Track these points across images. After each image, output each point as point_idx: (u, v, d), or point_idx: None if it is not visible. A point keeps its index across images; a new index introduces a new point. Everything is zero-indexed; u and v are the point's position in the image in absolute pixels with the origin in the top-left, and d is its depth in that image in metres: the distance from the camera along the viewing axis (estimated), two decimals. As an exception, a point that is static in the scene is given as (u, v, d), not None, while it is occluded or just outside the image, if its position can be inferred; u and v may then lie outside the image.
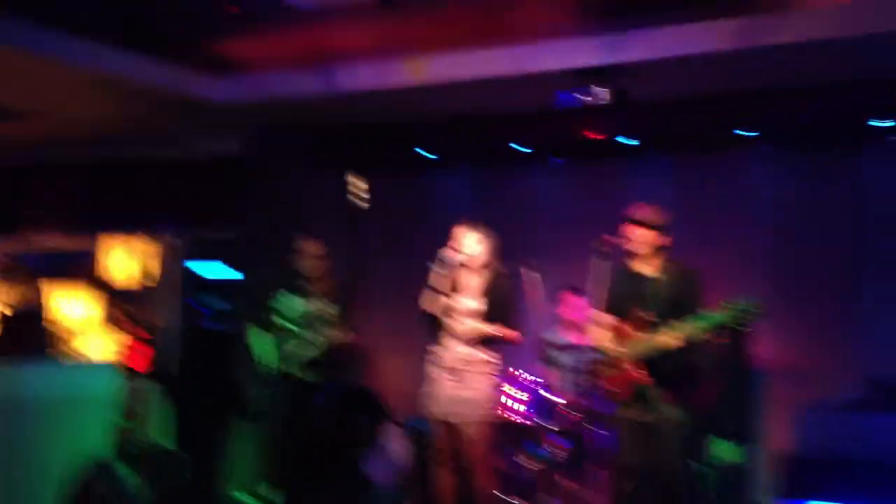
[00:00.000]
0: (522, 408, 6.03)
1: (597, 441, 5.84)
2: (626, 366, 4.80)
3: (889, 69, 5.64)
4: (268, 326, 5.96)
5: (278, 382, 5.91)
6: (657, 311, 4.75)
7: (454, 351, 5.14)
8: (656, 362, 4.73)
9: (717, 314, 4.53)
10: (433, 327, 5.21)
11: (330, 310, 5.98)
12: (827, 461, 3.85)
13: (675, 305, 4.74)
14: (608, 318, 4.95)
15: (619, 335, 4.87)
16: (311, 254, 6.02)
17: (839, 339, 6.12)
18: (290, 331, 5.97)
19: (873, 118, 5.99)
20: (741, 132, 6.37)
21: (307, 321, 5.97)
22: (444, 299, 5.13)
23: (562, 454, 5.97)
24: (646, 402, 4.78)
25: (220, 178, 7.53)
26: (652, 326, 4.73)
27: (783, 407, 5.86)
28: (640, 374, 4.75)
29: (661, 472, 4.74)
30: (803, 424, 4.03)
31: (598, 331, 4.98)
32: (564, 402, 5.94)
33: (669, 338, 4.62)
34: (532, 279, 5.22)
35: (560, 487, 5.95)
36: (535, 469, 5.97)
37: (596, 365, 5.00)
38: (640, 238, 4.85)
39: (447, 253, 5.14)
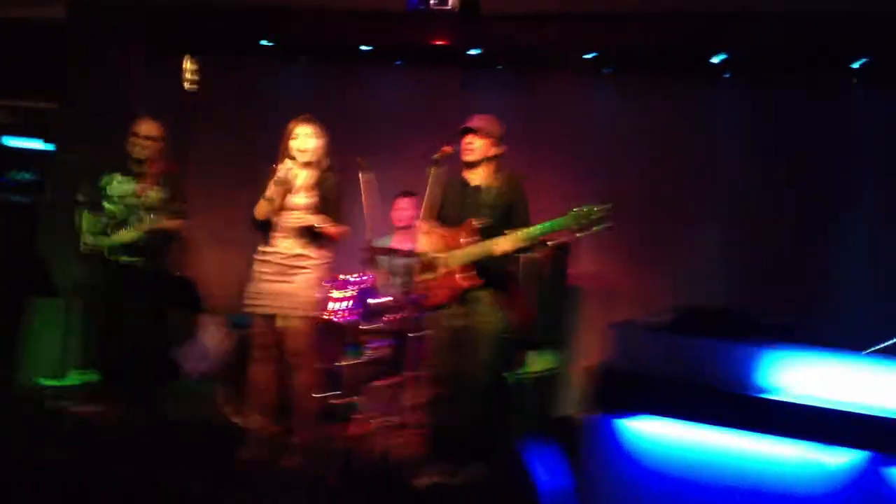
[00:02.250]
0: (345, 307, 5.99)
1: (414, 344, 5.93)
2: (448, 271, 4.85)
3: (735, 3, 5.77)
4: (92, 205, 5.69)
5: (96, 263, 5.68)
6: (486, 218, 4.79)
7: (280, 246, 5.08)
8: (482, 268, 4.78)
9: (562, 218, 4.54)
10: (265, 228, 5.10)
11: (157, 194, 5.78)
12: (636, 378, 4.02)
13: (503, 213, 4.80)
14: (434, 225, 4.98)
15: (445, 241, 4.89)
16: (145, 135, 5.75)
17: (655, 263, 6.38)
18: (113, 212, 5.74)
19: (712, 50, 6.07)
20: (585, 53, 6.38)
21: (132, 203, 5.74)
22: (269, 199, 5.01)
23: (381, 355, 6.04)
24: (465, 308, 4.84)
25: (39, 44, 7.01)
26: (481, 234, 4.77)
27: (596, 324, 6.11)
28: (465, 279, 4.78)
29: (472, 378, 4.82)
30: (615, 342, 4.19)
31: (423, 236, 4.98)
32: (386, 304, 5.94)
33: (501, 243, 4.65)
34: (366, 179, 5.15)
35: (377, 387, 6.04)
36: (354, 368, 5.98)
37: (417, 269, 5.01)
38: (472, 146, 4.86)
39: (282, 151, 5.03)
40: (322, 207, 5.05)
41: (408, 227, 6.28)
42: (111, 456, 4.99)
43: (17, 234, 6.91)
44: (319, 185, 5.08)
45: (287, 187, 5.03)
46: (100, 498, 4.54)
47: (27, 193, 7.49)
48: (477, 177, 4.93)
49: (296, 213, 5.05)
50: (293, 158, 5.05)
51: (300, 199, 5.07)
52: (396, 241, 6.31)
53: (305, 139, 5.06)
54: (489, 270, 4.79)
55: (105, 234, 5.72)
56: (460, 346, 4.87)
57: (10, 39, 7.31)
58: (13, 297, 6.47)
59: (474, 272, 4.79)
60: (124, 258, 5.72)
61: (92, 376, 5.99)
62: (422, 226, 5.01)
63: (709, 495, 3.91)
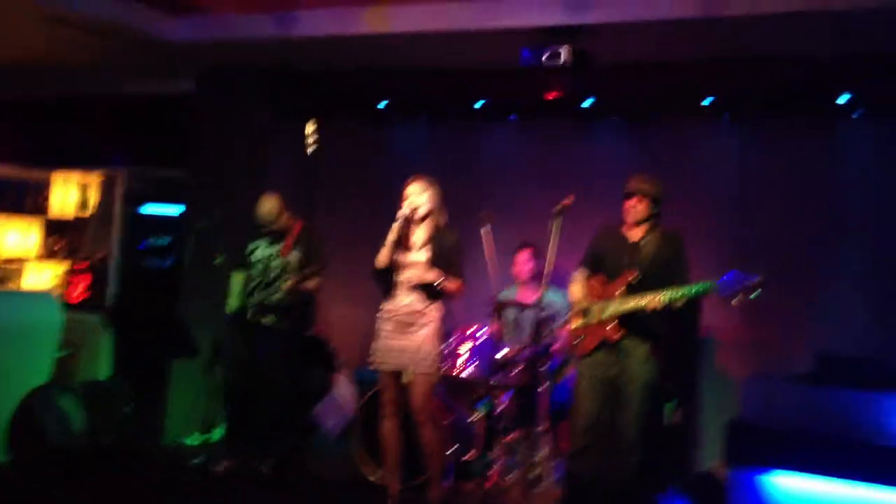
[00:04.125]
0: (472, 361, 6.01)
1: (544, 396, 5.87)
2: (599, 320, 4.87)
3: (859, 43, 5.58)
4: (241, 267, 6.00)
5: (236, 323, 5.94)
6: (643, 273, 4.83)
7: (400, 302, 5.16)
8: (635, 320, 4.79)
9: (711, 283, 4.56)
10: (385, 283, 5.19)
11: (296, 256, 6.03)
12: (776, 432, 3.87)
13: (660, 268, 4.84)
14: (584, 275, 5.07)
15: (600, 291, 4.94)
16: (268, 217, 6.03)
17: (792, 312, 6.11)
18: (259, 276, 6.04)
19: (840, 91, 5.90)
20: (702, 100, 6.29)
21: (276, 266, 6.02)
22: (387, 252, 5.10)
23: (507, 408, 6.00)
24: (615, 358, 4.85)
25: (170, 116, 7.38)
26: (636, 287, 4.80)
27: (730, 376, 5.96)
28: (615, 330, 4.81)
29: (623, 430, 4.80)
30: (751, 394, 4.05)
31: (578, 284, 5.05)
32: (513, 356, 5.92)
33: (654, 300, 4.66)
34: (485, 233, 5.19)
35: (510, 442, 5.96)
36: (480, 422, 5.96)
37: (570, 316, 5.05)
38: (636, 209, 4.92)
39: (400, 209, 5.14)
40: (440, 262, 5.12)
41: (528, 281, 6.29)
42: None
43: (158, 297, 7.20)
44: (436, 240, 5.16)
45: (407, 228, 5.12)
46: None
47: (165, 258, 7.81)
48: (637, 233, 4.98)
49: (414, 270, 5.13)
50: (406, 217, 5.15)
51: (418, 255, 5.16)
52: (521, 294, 6.33)
53: (415, 196, 5.16)
54: (642, 323, 4.81)
55: (251, 295, 6.00)
56: (610, 397, 4.88)
57: (142, 113, 7.71)
58: (156, 359, 6.73)
59: (625, 324, 4.82)
60: (266, 319, 5.95)
61: (231, 435, 6.19)
62: (577, 276, 5.10)
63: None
